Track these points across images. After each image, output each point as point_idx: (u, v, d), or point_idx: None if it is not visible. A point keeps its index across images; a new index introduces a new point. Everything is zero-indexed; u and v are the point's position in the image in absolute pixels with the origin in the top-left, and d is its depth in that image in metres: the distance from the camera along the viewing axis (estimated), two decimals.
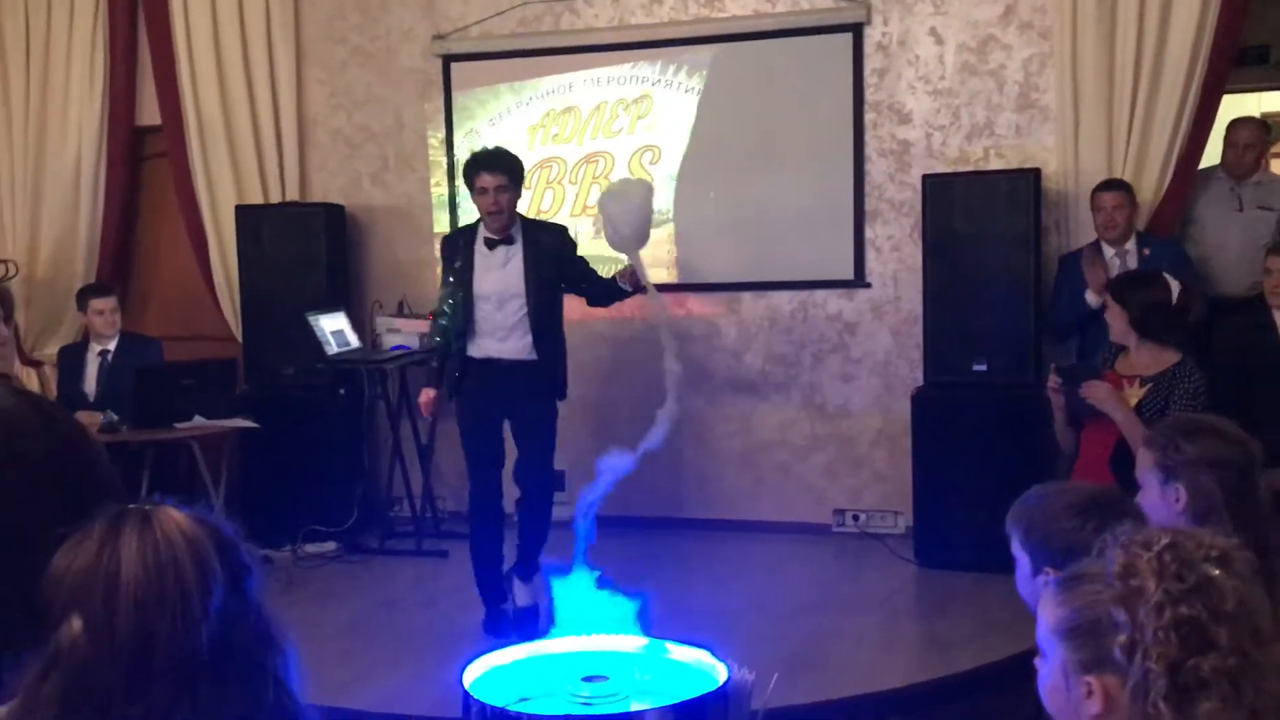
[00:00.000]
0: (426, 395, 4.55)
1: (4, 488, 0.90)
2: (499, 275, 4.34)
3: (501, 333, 4.34)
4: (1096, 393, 3.57)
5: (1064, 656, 1.33)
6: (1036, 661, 1.40)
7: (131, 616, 0.86)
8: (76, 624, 0.86)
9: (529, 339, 4.33)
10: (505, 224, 4.31)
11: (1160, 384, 3.60)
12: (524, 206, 6.21)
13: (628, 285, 4.30)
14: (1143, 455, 2.25)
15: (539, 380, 4.37)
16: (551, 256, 4.37)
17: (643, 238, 4.34)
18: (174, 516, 0.91)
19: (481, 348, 4.37)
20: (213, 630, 0.89)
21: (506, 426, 4.46)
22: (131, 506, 0.91)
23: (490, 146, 4.61)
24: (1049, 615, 1.35)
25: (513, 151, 4.47)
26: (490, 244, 4.33)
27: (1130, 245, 4.92)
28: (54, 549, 0.89)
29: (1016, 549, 1.94)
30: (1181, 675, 1.23)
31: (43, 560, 0.89)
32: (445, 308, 4.44)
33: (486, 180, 4.25)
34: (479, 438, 4.41)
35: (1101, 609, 1.29)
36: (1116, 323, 3.73)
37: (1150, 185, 5.15)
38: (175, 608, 0.87)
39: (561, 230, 4.59)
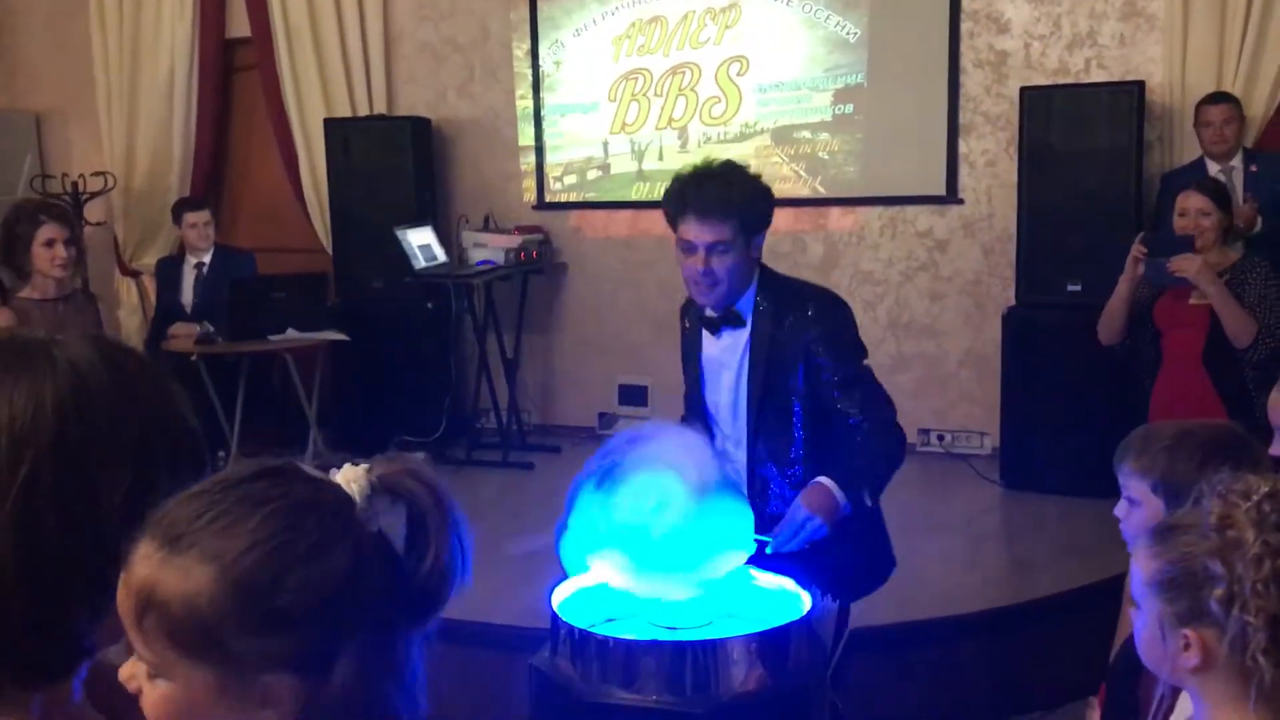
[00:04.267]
0: None
1: (72, 447, 0.89)
2: (726, 378, 2.60)
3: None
4: (1190, 265, 3.57)
5: (1160, 609, 1.30)
6: (1132, 612, 1.38)
7: None
8: None
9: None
10: (724, 296, 2.51)
11: (1233, 276, 3.63)
12: (605, 121, 6.26)
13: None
14: None
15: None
16: (794, 348, 2.50)
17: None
18: None
19: None
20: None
21: None
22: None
23: (703, 165, 2.52)
24: (1144, 567, 1.32)
25: (749, 172, 2.53)
26: (713, 325, 2.58)
27: (1236, 161, 4.74)
28: (122, 508, 0.89)
29: (1130, 484, 1.87)
30: None
31: (113, 519, 0.89)
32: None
33: (695, 231, 2.44)
34: None
35: (1198, 561, 1.26)
36: (1213, 228, 3.69)
37: (1262, 99, 4.93)
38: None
39: (828, 308, 2.56)
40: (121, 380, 0.94)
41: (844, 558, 2.36)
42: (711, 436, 2.54)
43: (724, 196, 2.42)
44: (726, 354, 2.56)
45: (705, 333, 2.58)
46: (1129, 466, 1.89)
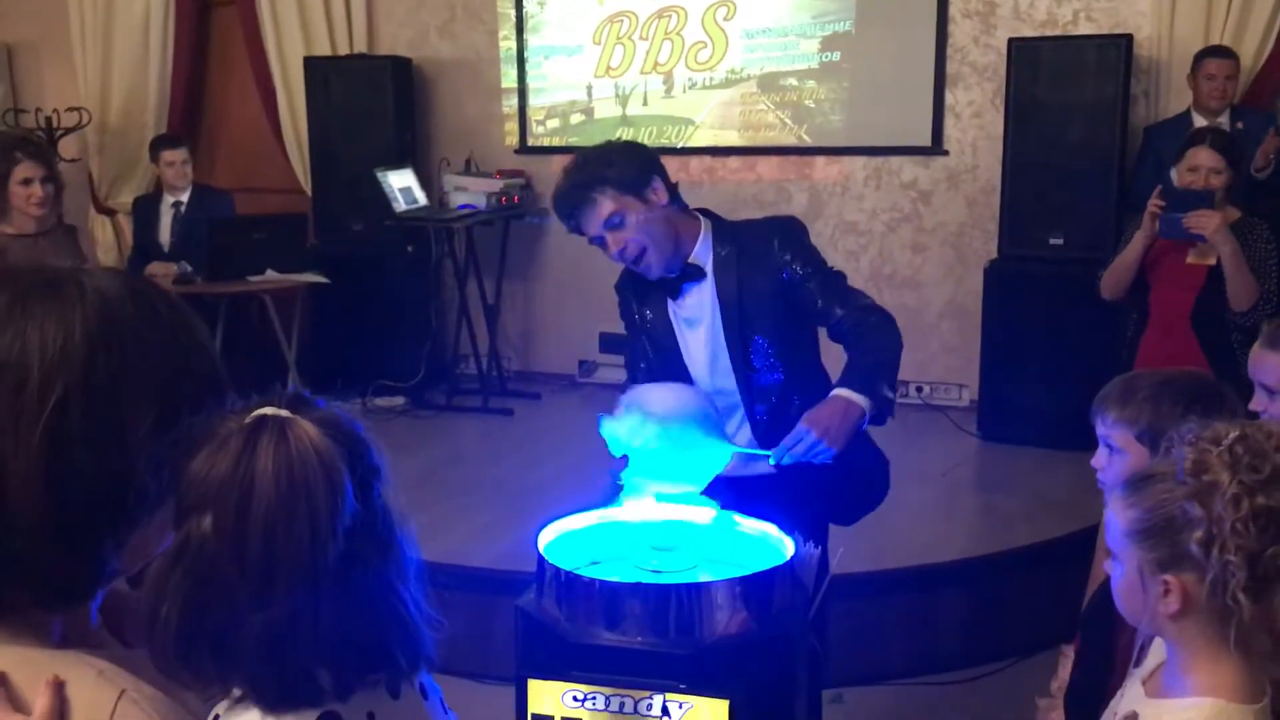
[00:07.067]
0: None
1: (101, 376, 0.90)
2: (700, 336, 2.49)
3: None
4: (1209, 222, 3.45)
5: (1139, 557, 1.32)
6: (1107, 565, 1.39)
7: (260, 531, 0.88)
8: (207, 522, 0.89)
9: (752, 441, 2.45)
10: (662, 258, 2.43)
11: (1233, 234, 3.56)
12: (589, 65, 6.19)
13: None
14: (1278, 360, 2.10)
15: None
16: (766, 281, 2.43)
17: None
18: (309, 432, 0.90)
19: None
20: (340, 549, 0.90)
21: None
22: (270, 413, 0.91)
23: (566, 180, 2.43)
24: (1121, 517, 1.34)
25: (597, 149, 2.52)
26: (673, 288, 2.49)
27: (1223, 119, 4.73)
28: (148, 438, 0.91)
29: (1113, 433, 1.88)
30: (1260, 565, 1.24)
31: (140, 448, 0.90)
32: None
33: (586, 227, 2.42)
34: None
35: (1175, 506, 1.29)
36: (1222, 187, 3.58)
37: (1249, 53, 4.92)
38: (304, 527, 0.89)
39: (789, 229, 2.50)
40: (148, 312, 0.95)
41: (840, 481, 2.35)
42: None
43: (575, 184, 2.38)
44: (694, 311, 2.46)
45: (669, 300, 2.47)
46: (1111, 416, 1.89)
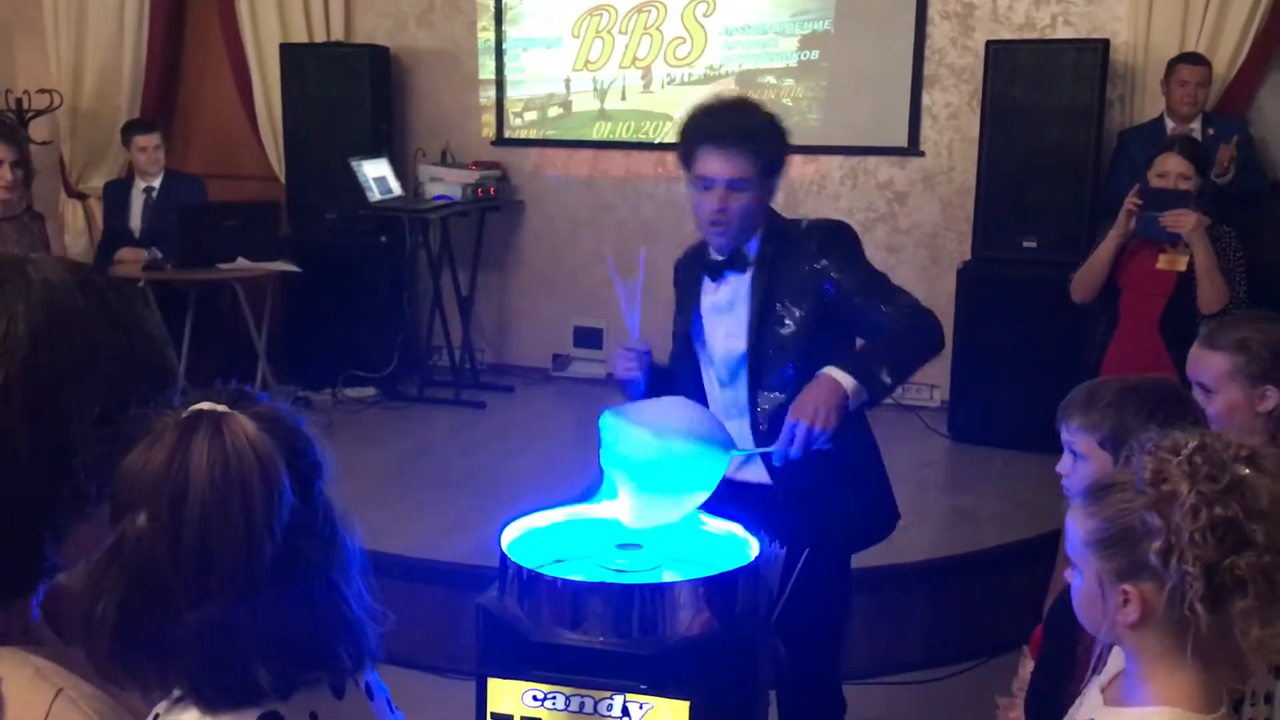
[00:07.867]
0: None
1: (44, 366, 0.88)
2: (727, 324, 2.46)
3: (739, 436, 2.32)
4: (1185, 220, 3.49)
5: (1098, 567, 1.32)
6: (1067, 574, 1.39)
7: (195, 528, 0.86)
8: (142, 519, 0.87)
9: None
10: (736, 238, 2.40)
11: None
12: (568, 58, 6.15)
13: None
14: (1215, 360, 2.13)
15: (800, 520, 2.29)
16: (802, 285, 2.38)
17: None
18: (245, 427, 0.89)
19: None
20: (278, 546, 0.89)
21: None
22: (206, 408, 0.89)
23: (720, 97, 2.49)
24: (1081, 526, 1.34)
25: (767, 110, 2.45)
26: (714, 270, 2.47)
27: (1195, 125, 4.76)
28: (98, 431, 0.89)
29: (1077, 439, 1.89)
30: (1218, 576, 1.24)
31: (83, 442, 0.89)
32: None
33: (715, 166, 2.32)
34: None
35: (1134, 516, 1.28)
36: (1192, 192, 3.62)
37: (1224, 61, 4.95)
38: (239, 524, 0.87)
39: (832, 232, 2.48)
40: (97, 303, 0.93)
41: (845, 506, 2.40)
42: (698, 383, 2.49)
43: (743, 124, 2.34)
44: (727, 297, 2.43)
45: (706, 280, 2.45)
46: (1075, 422, 1.90)
